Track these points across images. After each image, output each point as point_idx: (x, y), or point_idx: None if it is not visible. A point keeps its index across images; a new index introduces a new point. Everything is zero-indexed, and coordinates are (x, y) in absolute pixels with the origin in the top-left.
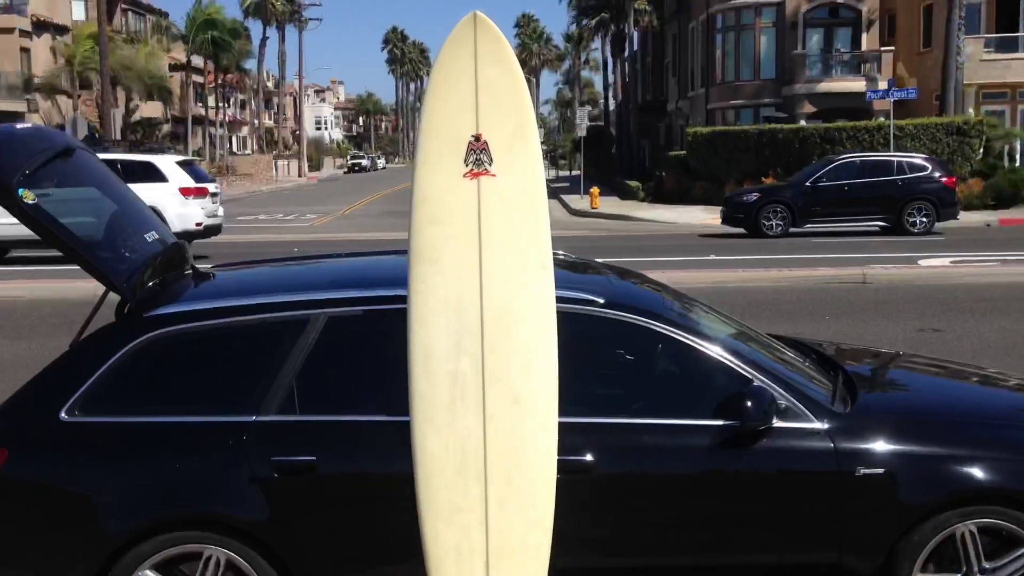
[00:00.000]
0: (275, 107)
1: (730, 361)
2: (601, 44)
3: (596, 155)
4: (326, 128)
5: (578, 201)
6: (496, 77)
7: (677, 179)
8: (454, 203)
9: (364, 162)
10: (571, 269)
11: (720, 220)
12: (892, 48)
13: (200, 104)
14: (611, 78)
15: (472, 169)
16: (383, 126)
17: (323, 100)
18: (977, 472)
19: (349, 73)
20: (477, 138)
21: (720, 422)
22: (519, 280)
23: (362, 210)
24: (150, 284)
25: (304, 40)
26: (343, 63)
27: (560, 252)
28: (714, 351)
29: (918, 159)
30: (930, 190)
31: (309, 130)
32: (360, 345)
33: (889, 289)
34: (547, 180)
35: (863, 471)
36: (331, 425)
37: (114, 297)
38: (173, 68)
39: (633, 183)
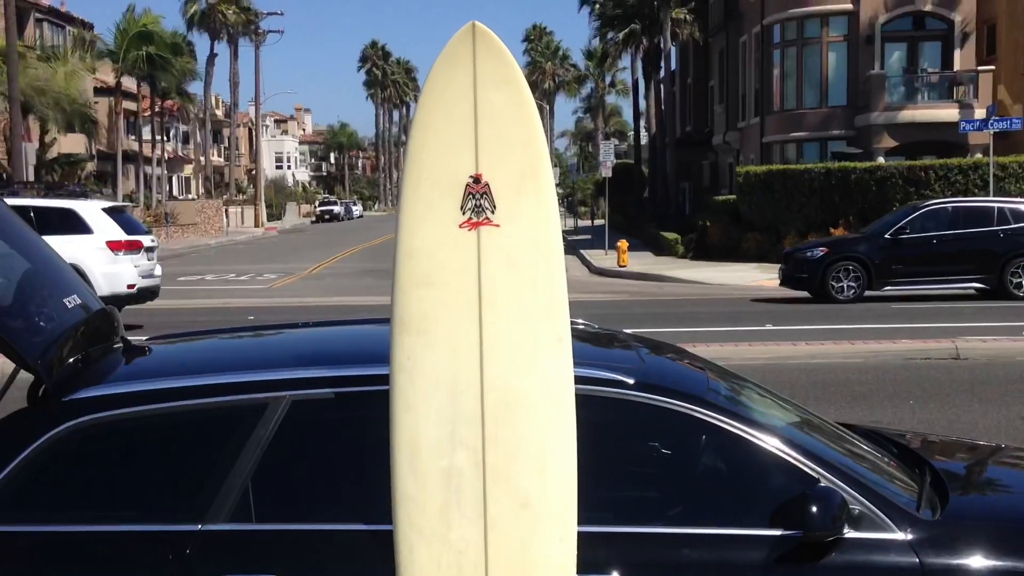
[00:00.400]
0: (226, 141)
1: (790, 456)
2: (631, 62)
3: (624, 200)
4: (289, 167)
5: (602, 257)
6: (500, 103)
7: (725, 230)
8: (448, 260)
9: (336, 209)
10: (593, 342)
11: (778, 281)
12: (992, 67)
13: (133, 137)
14: (643, 105)
15: (470, 218)
16: (360, 164)
17: (285, 132)
18: None
19: (318, 98)
20: (477, 179)
21: (778, 532)
22: (528, 356)
23: (334, 268)
24: (70, 361)
25: (262, 58)
26: (311, 86)
27: (580, 321)
28: (770, 443)
29: None
30: None
31: (268, 169)
32: (331, 436)
33: (988, 367)
34: (564, 231)
35: None
36: (295, 536)
37: (26, 377)
38: (99, 92)
39: (670, 235)
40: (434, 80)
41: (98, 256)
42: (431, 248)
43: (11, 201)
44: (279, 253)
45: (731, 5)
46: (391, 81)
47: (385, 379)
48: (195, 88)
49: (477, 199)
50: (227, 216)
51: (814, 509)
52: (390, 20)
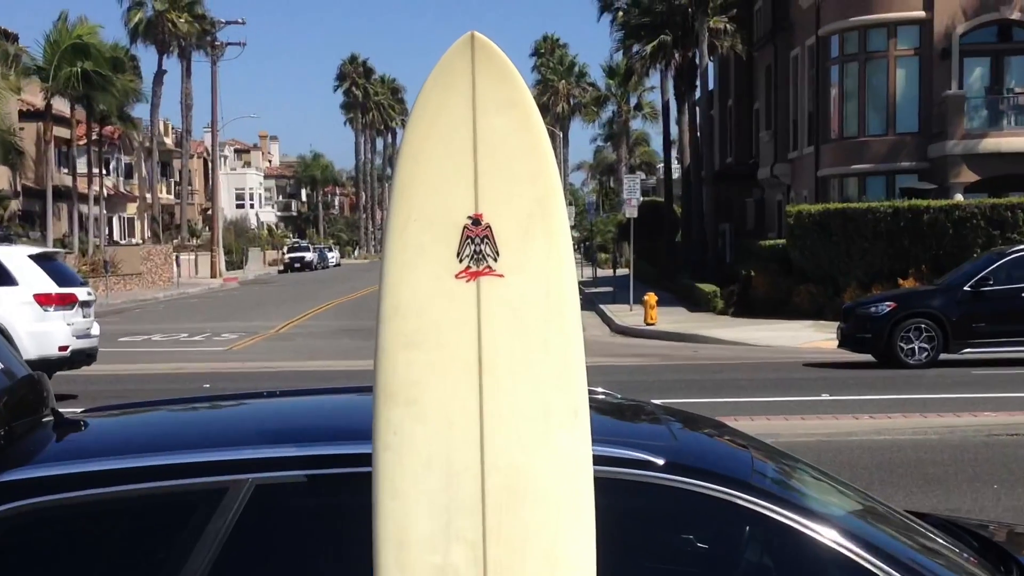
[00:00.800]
0: (176, 174)
1: (850, 551)
2: (660, 81)
3: (652, 245)
4: (252, 205)
5: (626, 314)
6: (504, 129)
7: (772, 281)
8: (442, 316)
9: (308, 256)
10: (616, 415)
11: (836, 342)
12: None
13: (66, 170)
14: (674, 131)
15: (469, 266)
16: (337, 202)
17: (248, 164)
18: None
19: (287, 124)
20: (476, 220)
21: None
22: (538, 431)
23: (306, 327)
24: None
25: (220, 75)
26: (279, 109)
27: (600, 390)
28: (827, 536)
29: None
30: None
31: (227, 208)
32: (302, 527)
33: None
34: (580, 282)
35: None
36: None
37: None
38: (26, 116)
39: (707, 287)
40: (425, 102)
41: (24, 312)
42: (422, 302)
43: None
44: (240, 308)
45: (780, 13)
46: (374, 103)
47: (367, 459)
48: (140, 112)
49: (477, 244)
50: (178, 264)
51: None
52: (373, 31)
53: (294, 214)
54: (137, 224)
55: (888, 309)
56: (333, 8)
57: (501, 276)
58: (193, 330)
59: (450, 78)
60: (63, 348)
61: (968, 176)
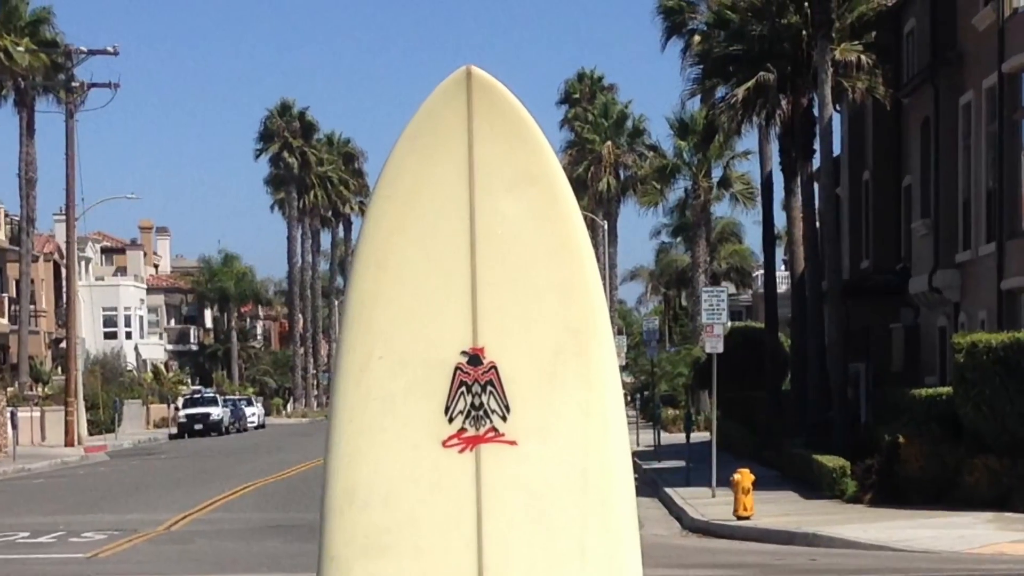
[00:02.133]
0: (12, 286)
1: None
2: (759, 143)
3: (747, 396)
4: (130, 333)
5: (706, 502)
6: (518, 217)
7: (932, 451)
8: (421, 508)
9: (216, 412)
10: None
11: None
12: None
13: None
14: (780, 220)
15: (464, 428)
16: (260, 329)
17: (123, 271)
18: None
19: (184, 209)
20: (475, 358)
21: None
22: None
23: (212, 521)
24: None
25: (82, 133)
26: (172, 186)
27: None
28: None
29: None
30: None
31: (92, 338)
32: None
33: None
34: (633, 452)
35: None
36: None
37: None
38: None
39: (831, 460)
40: (398, 172)
41: None
42: (390, 485)
43: None
44: (112, 493)
45: (943, 38)
46: (317, 177)
47: None
48: None
49: (476, 394)
50: (14, 425)
51: None
52: (317, 67)
53: (194, 347)
54: None
55: None
56: (256, 32)
57: (513, 443)
58: (38, 528)
59: (435, 135)
60: None
61: None
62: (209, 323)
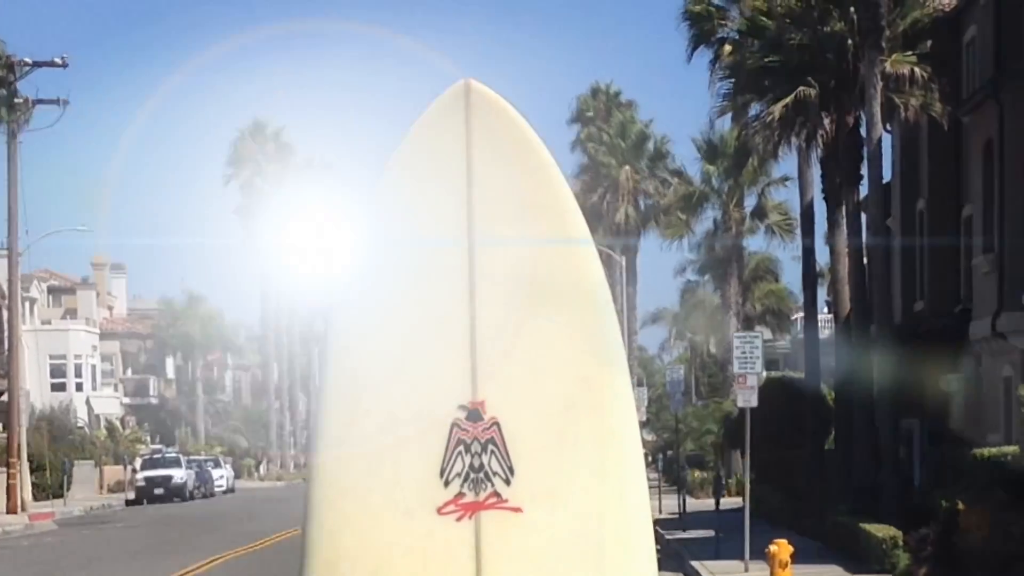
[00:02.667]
0: None
1: None
2: (799, 167)
3: (785, 455)
4: (81, 385)
5: None
6: (522, 253)
7: (997, 518)
8: None
9: (179, 475)
10: None
11: None
12: None
13: None
14: (823, 256)
15: (462, 493)
16: (230, 380)
17: (72, 314)
18: None
19: (140, 243)
20: (475, 412)
21: None
22: None
23: None
24: None
25: (26, 156)
26: (128, 217)
27: None
28: None
29: None
30: None
31: (38, 390)
32: None
33: None
34: (656, 521)
35: None
36: None
37: None
38: None
39: (881, 529)
40: (386, 201)
41: None
42: (378, 558)
43: None
44: (60, 568)
45: (1010, 46)
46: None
47: None
48: None
49: (475, 453)
50: None
51: None
52: (290, 82)
53: (153, 400)
54: None
55: None
56: (228, 42)
57: (518, 511)
58: None
59: (430, 159)
60: None
61: None
62: (171, 373)
